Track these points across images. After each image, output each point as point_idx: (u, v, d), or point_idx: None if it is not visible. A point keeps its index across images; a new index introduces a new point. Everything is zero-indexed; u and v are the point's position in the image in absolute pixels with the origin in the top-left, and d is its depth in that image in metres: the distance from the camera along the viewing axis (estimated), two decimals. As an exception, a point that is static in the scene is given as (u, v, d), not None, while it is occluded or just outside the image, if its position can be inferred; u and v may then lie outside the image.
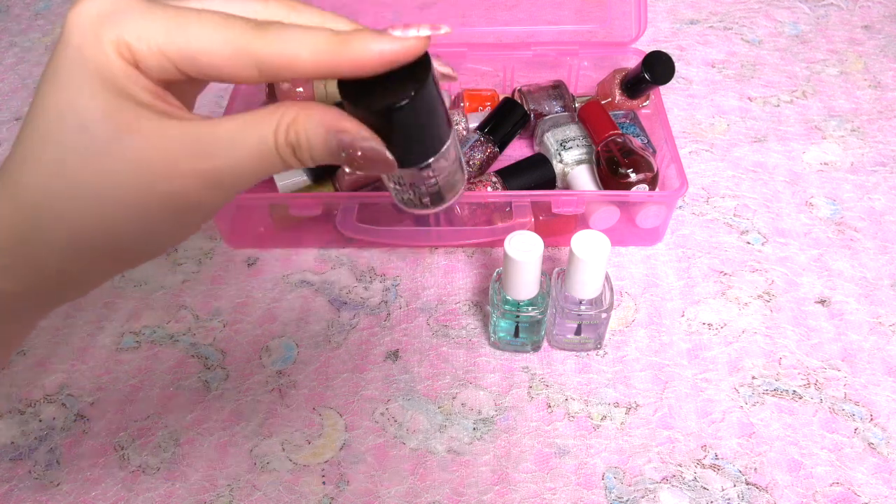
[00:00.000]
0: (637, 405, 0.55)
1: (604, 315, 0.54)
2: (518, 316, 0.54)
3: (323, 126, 0.26)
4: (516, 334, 0.57)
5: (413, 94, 0.27)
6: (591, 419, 0.54)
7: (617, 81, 0.72)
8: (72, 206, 0.25)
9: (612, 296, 0.54)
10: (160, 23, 0.24)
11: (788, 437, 0.53)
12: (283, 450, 0.53)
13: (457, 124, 0.73)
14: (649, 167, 0.62)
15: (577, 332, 0.56)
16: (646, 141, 0.69)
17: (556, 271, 0.56)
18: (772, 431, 0.53)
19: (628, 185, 0.61)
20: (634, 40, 0.75)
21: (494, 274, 0.55)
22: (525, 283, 0.52)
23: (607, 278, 0.54)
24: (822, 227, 0.67)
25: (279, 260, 0.67)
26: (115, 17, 0.24)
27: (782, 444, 0.52)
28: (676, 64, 0.69)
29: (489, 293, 0.55)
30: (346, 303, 0.63)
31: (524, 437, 0.53)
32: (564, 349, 0.59)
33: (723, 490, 0.50)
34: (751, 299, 0.62)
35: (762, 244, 0.66)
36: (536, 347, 0.58)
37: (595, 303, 0.54)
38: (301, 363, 0.59)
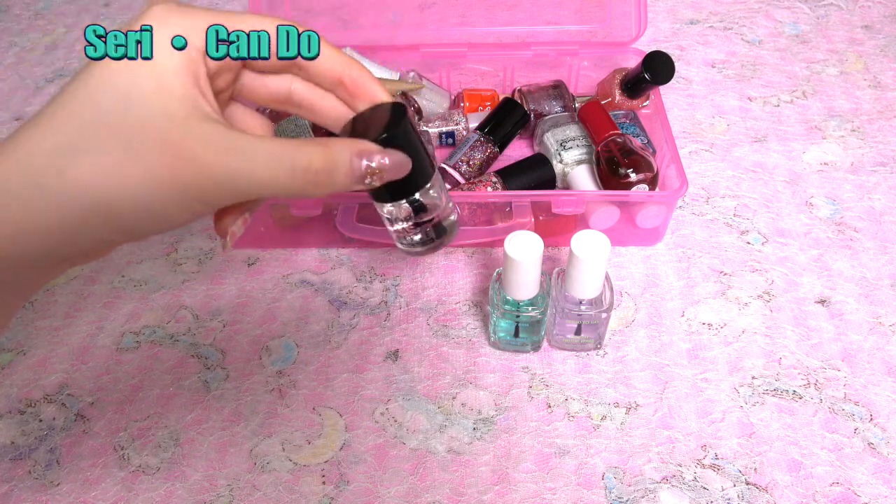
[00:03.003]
0: (637, 405, 0.55)
1: (604, 315, 0.54)
2: (518, 316, 0.54)
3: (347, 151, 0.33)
4: (516, 334, 0.57)
5: (396, 127, 0.35)
6: (591, 419, 0.54)
7: (617, 81, 0.72)
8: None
9: (612, 296, 0.54)
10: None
11: (788, 437, 0.53)
12: (283, 450, 0.53)
13: (457, 124, 0.73)
14: (649, 167, 0.61)
15: (577, 332, 0.56)
16: (646, 141, 0.69)
17: (556, 271, 0.56)
18: (772, 431, 0.53)
19: (628, 185, 0.61)
20: (634, 40, 0.75)
21: (494, 274, 0.55)
22: (525, 283, 0.52)
23: (607, 278, 0.54)
24: (822, 227, 0.67)
25: (279, 260, 0.67)
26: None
27: (782, 444, 0.52)
28: (676, 64, 0.69)
29: (489, 293, 0.55)
30: (346, 303, 0.63)
31: (524, 437, 0.53)
32: (564, 349, 0.59)
33: (723, 490, 0.50)
34: (751, 299, 0.62)
35: (762, 244, 0.66)
36: (536, 347, 0.58)
37: (595, 303, 0.54)
38: (301, 363, 0.59)
